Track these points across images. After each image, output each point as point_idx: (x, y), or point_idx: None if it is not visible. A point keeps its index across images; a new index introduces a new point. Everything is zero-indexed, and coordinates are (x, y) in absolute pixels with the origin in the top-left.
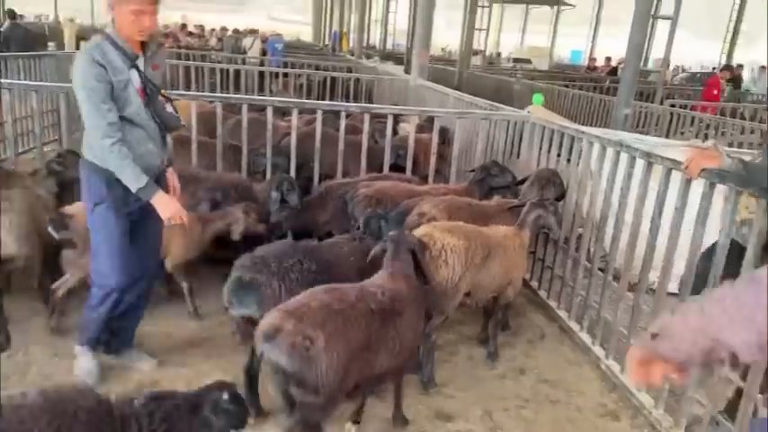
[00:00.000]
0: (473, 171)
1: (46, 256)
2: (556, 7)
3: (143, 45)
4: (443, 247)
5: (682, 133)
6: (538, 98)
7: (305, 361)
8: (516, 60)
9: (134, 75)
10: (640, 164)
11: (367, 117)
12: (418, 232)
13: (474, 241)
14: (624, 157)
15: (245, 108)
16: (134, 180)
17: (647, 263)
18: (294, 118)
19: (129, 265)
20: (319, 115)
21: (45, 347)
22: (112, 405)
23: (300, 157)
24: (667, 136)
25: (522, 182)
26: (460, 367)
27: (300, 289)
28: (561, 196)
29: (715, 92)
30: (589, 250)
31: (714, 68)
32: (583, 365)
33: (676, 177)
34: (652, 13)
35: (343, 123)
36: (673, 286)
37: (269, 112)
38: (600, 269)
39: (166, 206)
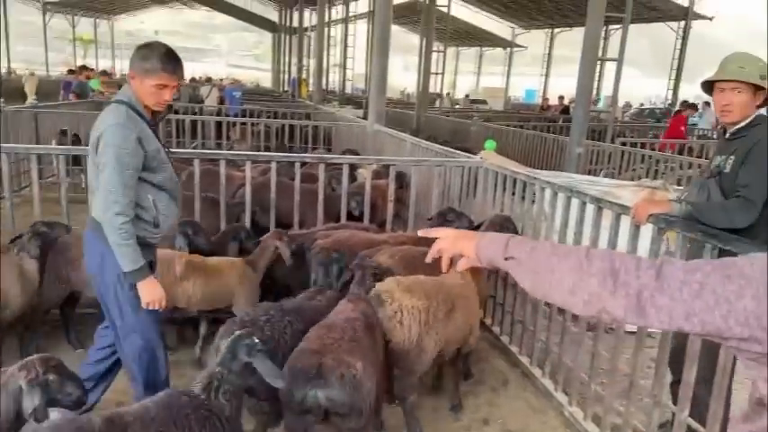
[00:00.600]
0: (430, 219)
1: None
2: (509, 49)
3: (154, 112)
4: (400, 308)
5: (633, 170)
6: (490, 144)
7: (355, 388)
8: (473, 101)
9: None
10: (591, 209)
11: (322, 167)
12: (381, 287)
13: (435, 299)
14: (575, 202)
15: (196, 162)
16: (131, 261)
17: None
18: (248, 169)
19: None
20: (274, 166)
21: None
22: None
23: (256, 207)
24: (619, 173)
25: (478, 227)
26: (425, 420)
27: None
28: None
29: (682, 128)
30: None
31: (668, 105)
32: (547, 412)
33: (626, 221)
34: (599, 55)
35: (298, 174)
36: (631, 326)
37: (222, 165)
38: (559, 311)
39: (151, 292)
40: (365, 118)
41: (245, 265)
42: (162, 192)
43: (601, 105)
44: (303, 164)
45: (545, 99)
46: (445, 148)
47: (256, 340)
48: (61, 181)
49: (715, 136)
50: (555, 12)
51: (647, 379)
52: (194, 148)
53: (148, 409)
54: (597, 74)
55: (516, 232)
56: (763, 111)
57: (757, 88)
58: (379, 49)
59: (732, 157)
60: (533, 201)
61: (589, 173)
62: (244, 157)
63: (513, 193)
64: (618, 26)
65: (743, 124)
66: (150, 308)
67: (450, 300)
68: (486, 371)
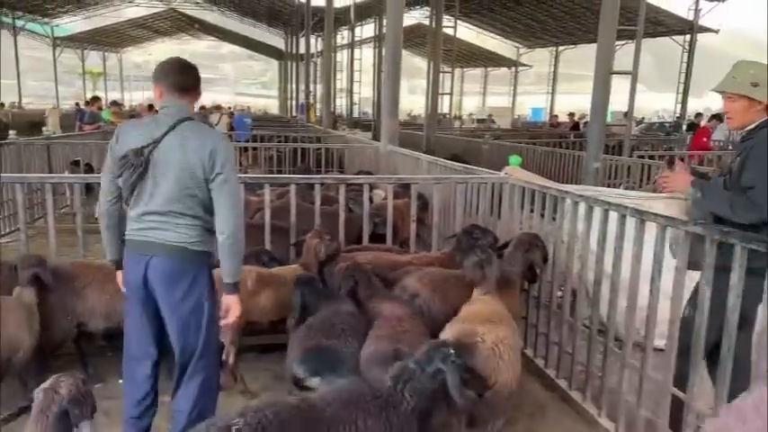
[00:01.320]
0: (453, 236)
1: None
2: (513, 68)
3: None
4: (495, 342)
5: (654, 182)
6: (515, 159)
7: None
8: (479, 121)
9: None
10: (631, 222)
11: (342, 188)
12: (451, 334)
13: (505, 325)
14: (613, 215)
15: None
16: (238, 273)
17: (650, 323)
18: (267, 193)
19: None
20: (293, 189)
21: None
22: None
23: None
24: (640, 186)
25: (504, 246)
26: None
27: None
28: (545, 259)
29: (705, 139)
30: (573, 310)
31: (677, 119)
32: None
33: (672, 234)
34: (611, 70)
35: (318, 195)
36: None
37: (240, 189)
38: (600, 330)
39: (238, 304)
40: (375, 140)
41: (302, 268)
42: None
43: (609, 120)
44: (322, 185)
45: (554, 116)
46: (465, 165)
47: (452, 351)
48: (77, 210)
49: (730, 147)
50: (559, 30)
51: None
52: None
53: (332, 393)
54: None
55: (545, 249)
56: None
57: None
58: (391, 72)
59: (738, 157)
60: (553, 218)
61: (608, 187)
62: (263, 180)
63: (542, 214)
64: (624, 42)
65: (751, 127)
66: (232, 319)
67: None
68: (521, 396)
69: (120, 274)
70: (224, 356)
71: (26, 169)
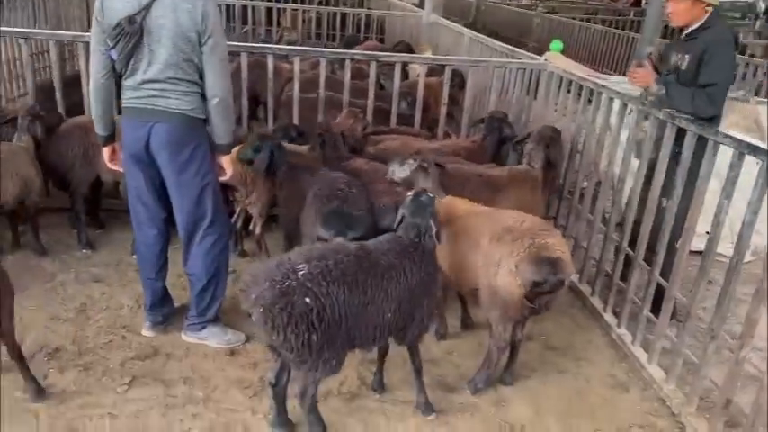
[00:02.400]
0: (482, 121)
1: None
2: None
3: None
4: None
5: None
6: (556, 45)
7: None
8: None
9: None
10: (669, 128)
11: (373, 65)
12: (528, 254)
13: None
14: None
15: (243, 56)
16: (231, 133)
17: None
18: (296, 65)
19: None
20: (323, 63)
21: (41, 311)
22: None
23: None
24: None
25: (524, 140)
26: (465, 335)
27: None
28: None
29: None
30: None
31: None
32: (593, 331)
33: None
34: None
35: (347, 71)
36: (698, 244)
37: (269, 60)
38: (618, 225)
39: (230, 165)
40: (422, 6)
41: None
42: None
43: None
44: (353, 60)
45: None
46: (506, 46)
47: (430, 195)
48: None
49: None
50: None
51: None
52: (244, 33)
53: (381, 242)
54: None
55: (560, 146)
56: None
57: None
58: None
59: (687, 55)
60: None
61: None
62: (293, 53)
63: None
64: None
65: (695, 27)
66: (226, 178)
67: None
68: None
69: (107, 150)
70: (251, 226)
71: (65, 25)
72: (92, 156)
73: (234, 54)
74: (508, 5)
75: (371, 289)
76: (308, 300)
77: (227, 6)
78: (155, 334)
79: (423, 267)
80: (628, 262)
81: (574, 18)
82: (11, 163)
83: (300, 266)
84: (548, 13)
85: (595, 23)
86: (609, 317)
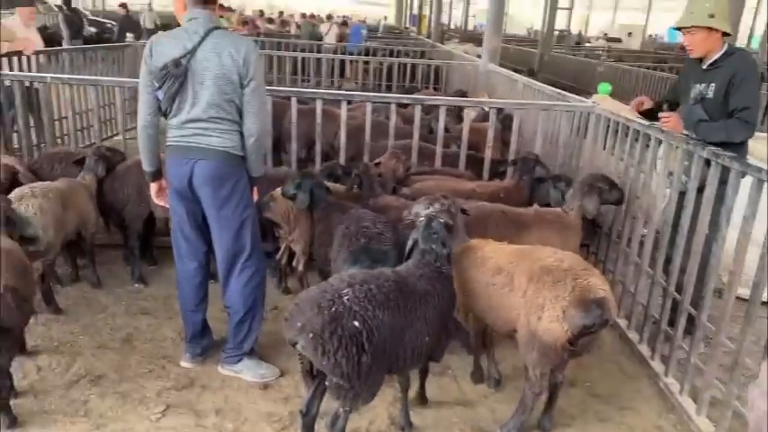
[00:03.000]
0: (515, 163)
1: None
2: None
3: None
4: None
5: None
6: (604, 87)
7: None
8: (608, 40)
9: None
10: (714, 168)
11: (418, 108)
12: (572, 293)
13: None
14: (698, 160)
15: (293, 101)
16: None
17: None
18: (343, 110)
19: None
20: (368, 107)
21: (91, 339)
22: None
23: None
24: None
25: (559, 178)
26: (504, 376)
27: None
28: (617, 201)
29: None
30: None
31: None
32: (641, 380)
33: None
34: None
35: (393, 115)
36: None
37: (318, 105)
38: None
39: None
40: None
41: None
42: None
43: (755, 46)
44: (400, 105)
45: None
46: (557, 90)
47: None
48: None
49: None
50: None
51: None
52: (317, 84)
53: (411, 268)
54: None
55: (614, 192)
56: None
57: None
58: None
59: (713, 84)
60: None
61: None
62: (340, 97)
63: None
64: None
65: (717, 56)
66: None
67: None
68: None
69: (154, 186)
70: (294, 263)
71: (131, 73)
72: (145, 193)
73: (286, 98)
74: (574, 56)
75: (411, 313)
76: (356, 323)
77: (303, 59)
78: (193, 365)
79: (448, 290)
80: (677, 306)
81: (639, 66)
82: (70, 198)
83: (344, 291)
84: (614, 62)
85: (662, 71)
86: (657, 365)
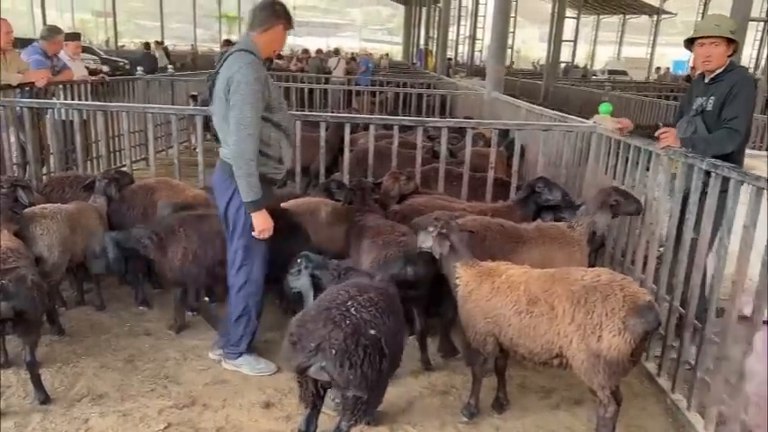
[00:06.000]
0: (519, 188)
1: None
2: (655, 17)
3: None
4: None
5: None
6: (605, 107)
7: None
8: (611, 72)
9: None
10: (714, 181)
11: (420, 130)
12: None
13: None
14: (697, 174)
15: (298, 124)
16: (254, 193)
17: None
18: (347, 132)
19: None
20: (371, 129)
21: (93, 360)
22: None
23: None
24: None
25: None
26: (510, 395)
27: None
28: (636, 211)
29: None
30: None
31: None
32: (647, 398)
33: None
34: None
35: (396, 137)
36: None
37: (321, 127)
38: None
39: (264, 221)
40: None
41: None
42: (281, 130)
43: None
44: (403, 128)
45: (693, 68)
46: (558, 113)
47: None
48: (198, 142)
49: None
50: None
51: None
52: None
53: (388, 287)
54: (756, 38)
55: (628, 204)
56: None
57: (729, 41)
58: (499, 15)
59: (713, 97)
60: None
61: None
62: (343, 120)
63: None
64: None
65: (720, 71)
66: (260, 237)
67: None
68: None
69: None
70: None
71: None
72: (151, 216)
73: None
74: (579, 88)
75: (400, 315)
76: (373, 331)
77: (309, 90)
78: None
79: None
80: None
81: (646, 95)
82: (80, 221)
83: (348, 304)
84: (620, 92)
85: (667, 99)
86: (664, 381)
